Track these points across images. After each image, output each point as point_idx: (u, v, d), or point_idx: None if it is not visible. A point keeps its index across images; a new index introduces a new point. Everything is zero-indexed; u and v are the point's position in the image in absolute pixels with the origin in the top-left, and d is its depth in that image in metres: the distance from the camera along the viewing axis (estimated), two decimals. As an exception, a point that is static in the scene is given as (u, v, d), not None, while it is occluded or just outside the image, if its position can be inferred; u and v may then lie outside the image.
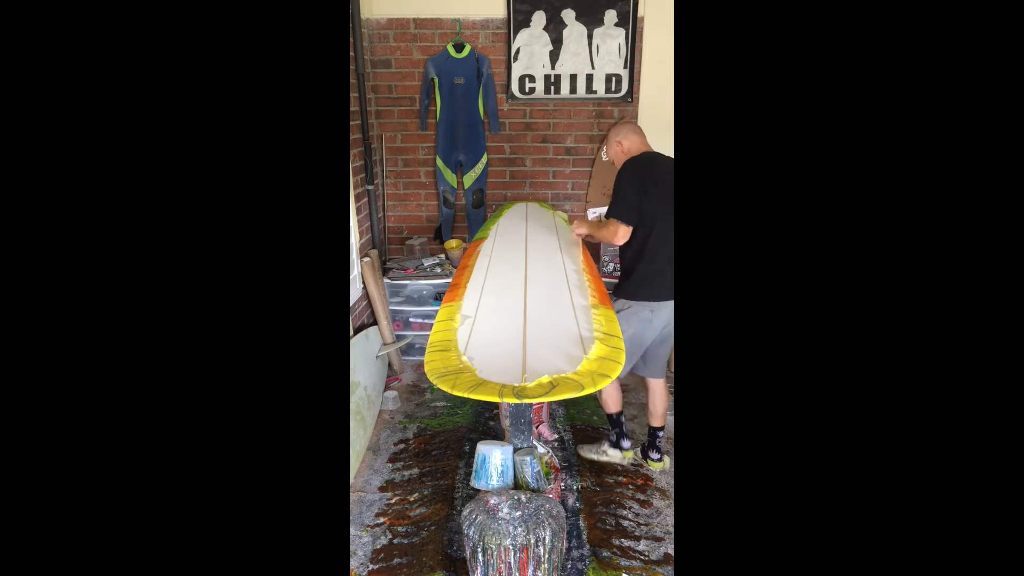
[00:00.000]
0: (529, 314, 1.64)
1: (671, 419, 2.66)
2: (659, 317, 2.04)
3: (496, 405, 2.52)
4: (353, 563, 1.83)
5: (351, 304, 2.75)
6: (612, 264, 3.13)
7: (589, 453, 2.33)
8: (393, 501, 2.11)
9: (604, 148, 2.04)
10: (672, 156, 2.11)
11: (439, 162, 3.28)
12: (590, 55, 3.12)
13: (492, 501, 1.42)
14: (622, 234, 2.00)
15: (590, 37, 3.09)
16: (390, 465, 2.33)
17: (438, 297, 3.06)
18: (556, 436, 2.47)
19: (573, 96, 3.18)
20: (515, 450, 1.54)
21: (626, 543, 1.90)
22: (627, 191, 1.98)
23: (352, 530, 1.96)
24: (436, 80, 3.15)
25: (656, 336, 2.09)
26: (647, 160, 2.05)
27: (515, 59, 3.14)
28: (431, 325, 1.70)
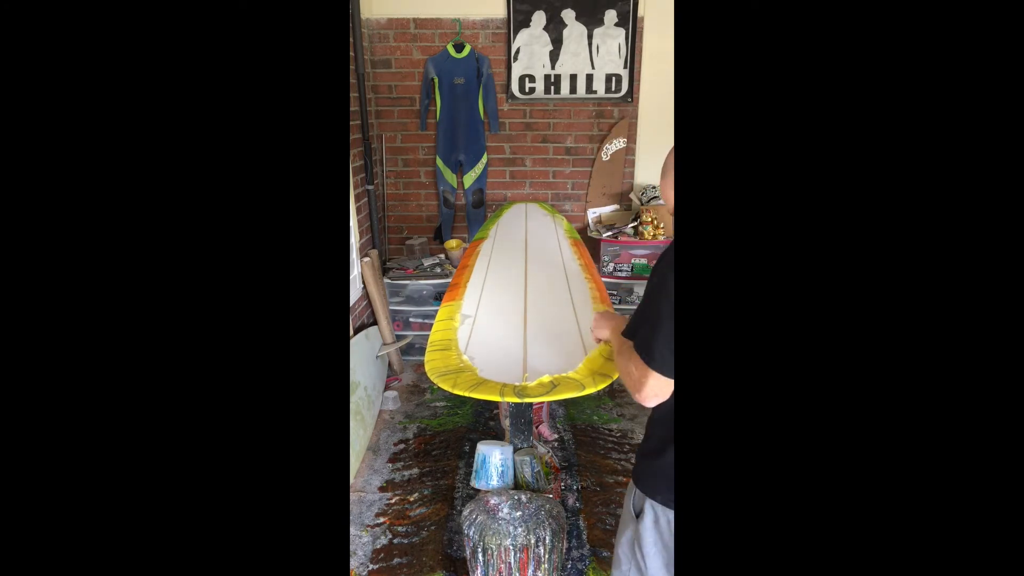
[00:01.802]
0: (529, 314, 1.64)
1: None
2: None
3: (496, 405, 2.52)
4: (353, 563, 1.83)
5: (351, 304, 2.75)
6: (612, 264, 3.13)
7: None
8: (393, 501, 2.11)
9: (660, 186, 1.08)
10: None
11: (439, 162, 3.28)
12: (590, 55, 3.12)
13: (492, 501, 1.42)
14: (652, 390, 0.99)
15: (590, 37, 3.09)
16: (390, 465, 2.33)
17: (438, 297, 3.06)
18: (556, 436, 2.47)
19: (573, 96, 3.18)
20: (515, 450, 1.53)
21: (626, 543, 1.90)
22: (671, 310, 0.91)
23: (352, 530, 1.96)
24: (436, 80, 3.16)
25: None
26: None
27: (515, 59, 3.14)
28: (431, 325, 1.70)
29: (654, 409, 1.06)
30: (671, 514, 1.04)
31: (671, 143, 0.82)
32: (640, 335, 0.99)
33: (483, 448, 1.53)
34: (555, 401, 2.68)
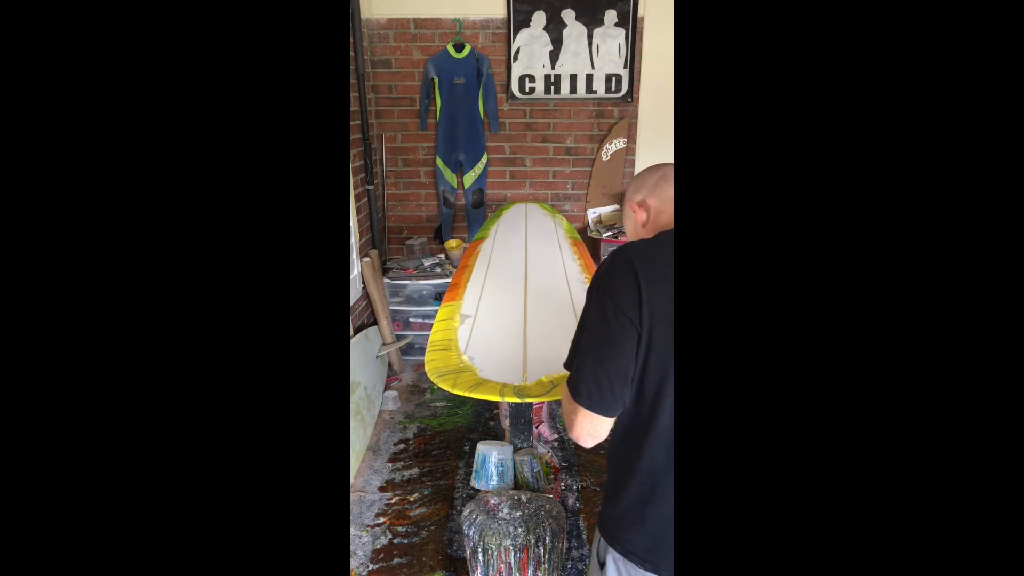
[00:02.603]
0: (529, 314, 1.64)
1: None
2: None
3: (496, 405, 2.52)
4: (353, 563, 1.83)
5: (351, 304, 2.75)
6: (612, 264, 3.13)
7: None
8: (393, 501, 2.11)
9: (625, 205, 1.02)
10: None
11: (439, 162, 3.28)
12: (590, 55, 3.12)
13: (492, 501, 1.42)
14: (583, 428, 0.88)
15: (590, 37, 3.09)
16: (390, 465, 2.33)
17: (438, 297, 3.06)
18: (556, 436, 2.47)
19: (573, 96, 3.18)
20: (515, 450, 1.54)
21: (626, 543, 1.90)
22: (608, 339, 0.84)
23: (352, 530, 1.96)
24: (436, 80, 3.16)
25: None
26: (661, 252, 0.85)
27: (515, 59, 3.14)
28: (431, 325, 1.70)
29: (607, 446, 0.94)
30: (633, 568, 0.91)
31: (671, 143, 0.81)
32: (573, 367, 0.88)
33: (483, 448, 1.53)
34: (555, 401, 2.68)
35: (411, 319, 3.14)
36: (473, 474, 1.54)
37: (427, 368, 1.35)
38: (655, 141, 3.24)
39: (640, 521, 0.90)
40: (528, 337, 1.50)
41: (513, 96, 3.20)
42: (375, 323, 2.97)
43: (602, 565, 0.98)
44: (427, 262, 3.16)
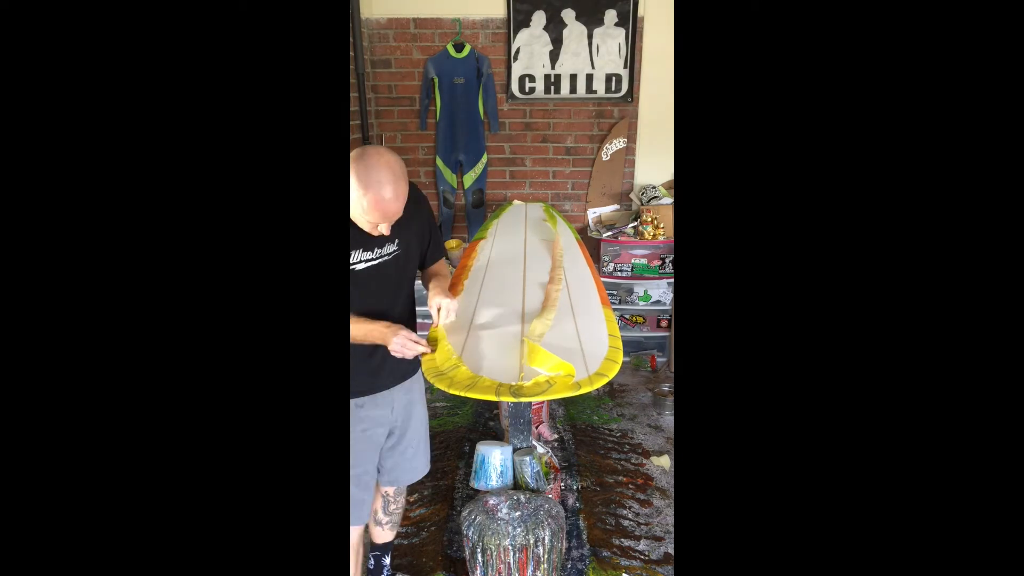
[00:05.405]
0: (527, 313, 1.64)
1: (670, 419, 2.66)
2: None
3: (496, 405, 2.52)
4: (352, 563, 1.83)
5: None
6: (612, 264, 3.13)
7: None
8: (393, 501, 2.11)
9: None
10: None
11: (439, 162, 3.28)
12: (590, 55, 3.12)
13: (491, 501, 1.42)
14: None
15: (590, 37, 3.09)
16: (390, 465, 2.33)
17: (438, 297, 3.05)
18: (556, 436, 2.47)
19: (573, 96, 3.18)
20: (515, 450, 1.53)
21: (626, 543, 1.90)
22: None
23: (351, 530, 1.96)
24: (436, 80, 3.15)
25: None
26: None
27: (515, 59, 3.14)
28: (430, 325, 1.69)
29: None
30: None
31: (671, 143, 0.82)
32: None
33: (482, 448, 1.52)
34: (555, 401, 2.68)
35: (411, 319, 3.13)
36: (472, 474, 1.54)
37: (423, 368, 1.35)
38: (655, 141, 3.24)
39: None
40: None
41: (513, 96, 3.20)
42: (375, 323, 2.97)
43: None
44: (427, 262, 3.15)
